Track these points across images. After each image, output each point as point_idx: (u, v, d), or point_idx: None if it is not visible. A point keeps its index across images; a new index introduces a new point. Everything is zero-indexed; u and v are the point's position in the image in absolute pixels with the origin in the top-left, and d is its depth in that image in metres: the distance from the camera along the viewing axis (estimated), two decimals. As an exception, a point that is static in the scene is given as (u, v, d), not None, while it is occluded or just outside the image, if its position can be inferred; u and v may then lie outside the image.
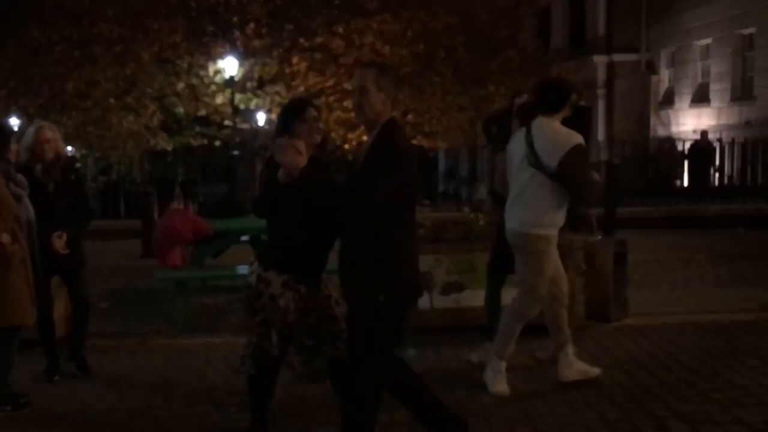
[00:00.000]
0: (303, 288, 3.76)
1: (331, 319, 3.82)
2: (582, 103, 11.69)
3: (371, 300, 3.32)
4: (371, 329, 3.36)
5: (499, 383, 4.63)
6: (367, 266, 3.34)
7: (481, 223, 6.11)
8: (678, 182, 17.19)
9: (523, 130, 4.66)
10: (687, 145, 16.77)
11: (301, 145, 3.32)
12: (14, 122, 15.62)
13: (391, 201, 3.28)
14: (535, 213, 4.52)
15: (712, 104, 20.07)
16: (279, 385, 4.96)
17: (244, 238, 8.24)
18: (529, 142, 4.53)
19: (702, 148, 16.17)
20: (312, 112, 3.78)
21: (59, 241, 4.98)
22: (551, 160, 4.44)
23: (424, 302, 5.96)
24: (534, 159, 4.49)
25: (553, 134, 4.54)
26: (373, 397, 3.45)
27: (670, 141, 18.45)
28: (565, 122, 13.84)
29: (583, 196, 4.60)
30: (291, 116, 3.76)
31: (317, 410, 4.51)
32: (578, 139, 4.56)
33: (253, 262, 3.88)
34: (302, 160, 3.27)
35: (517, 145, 4.67)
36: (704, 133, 17.17)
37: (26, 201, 4.69)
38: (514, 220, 4.61)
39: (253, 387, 4.08)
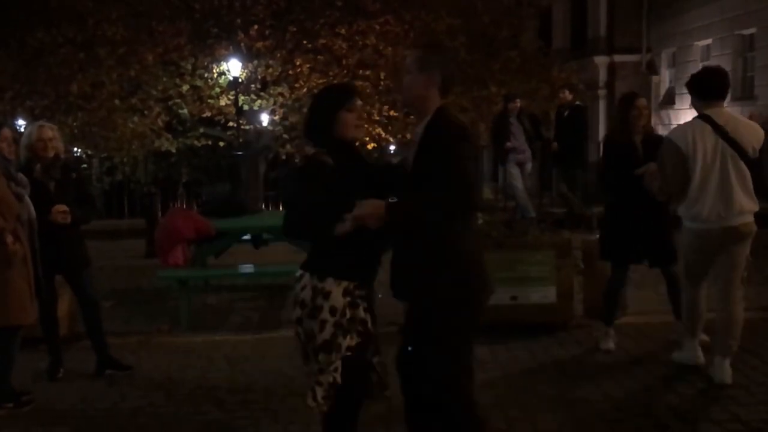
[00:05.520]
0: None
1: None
2: (578, 102, 11.74)
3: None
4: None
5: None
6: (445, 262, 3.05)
7: (480, 221, 6.13)
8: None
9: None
10: None
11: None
12: (21, 123, 15.68)
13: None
14: None
15: (713, 104, 20.00)
16: (279, 380, 5.02)
17: (246, 237, 8.28)
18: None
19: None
20: (358, 101, 3.29)
21: (58, 212, 4.98)
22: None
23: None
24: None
25: None
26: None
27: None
28: (563, 121, 13.75)
29: None
30: (337, 105, 3.21)
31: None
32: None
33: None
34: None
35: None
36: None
37: (27, 200, 4.69)
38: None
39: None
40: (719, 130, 4.51)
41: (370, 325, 3.19)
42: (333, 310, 3.09)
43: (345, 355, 3.12)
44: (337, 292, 3.10)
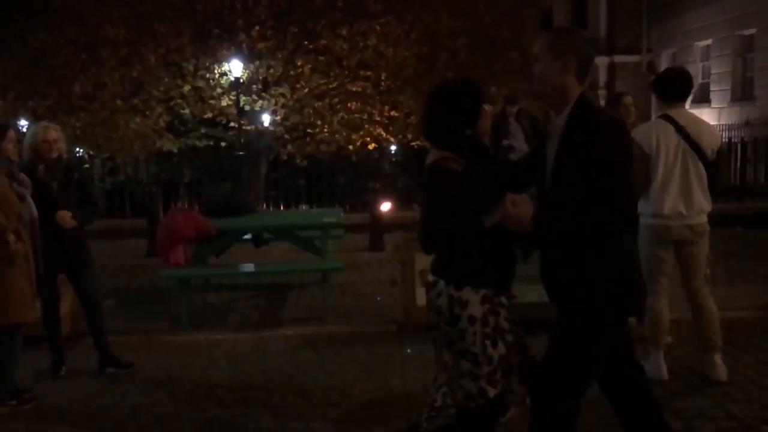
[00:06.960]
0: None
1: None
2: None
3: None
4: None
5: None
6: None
7: None
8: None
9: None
10: None
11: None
12: (23, 123, 15.72)
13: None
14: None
15: (712, 104, 20.07)
16: (278, 379, 5.07)
17: (247, 236, 8.34)
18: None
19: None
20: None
21: (65, 216, 5.05)
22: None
23: (421, 301, 6.03)
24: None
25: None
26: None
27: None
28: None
29: None
30: (478, 100, 3.04)
31: (317, 406, 4.58)
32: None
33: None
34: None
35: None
36: None
37: (29, 200, 4.75)
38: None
39: None
40: (681, 131, 4.64)
41: (508, 334, 3.04)
42: (472, 320, 2.96)
43: (500, 365, 2.99)
44: (475, 300, 2.97)
